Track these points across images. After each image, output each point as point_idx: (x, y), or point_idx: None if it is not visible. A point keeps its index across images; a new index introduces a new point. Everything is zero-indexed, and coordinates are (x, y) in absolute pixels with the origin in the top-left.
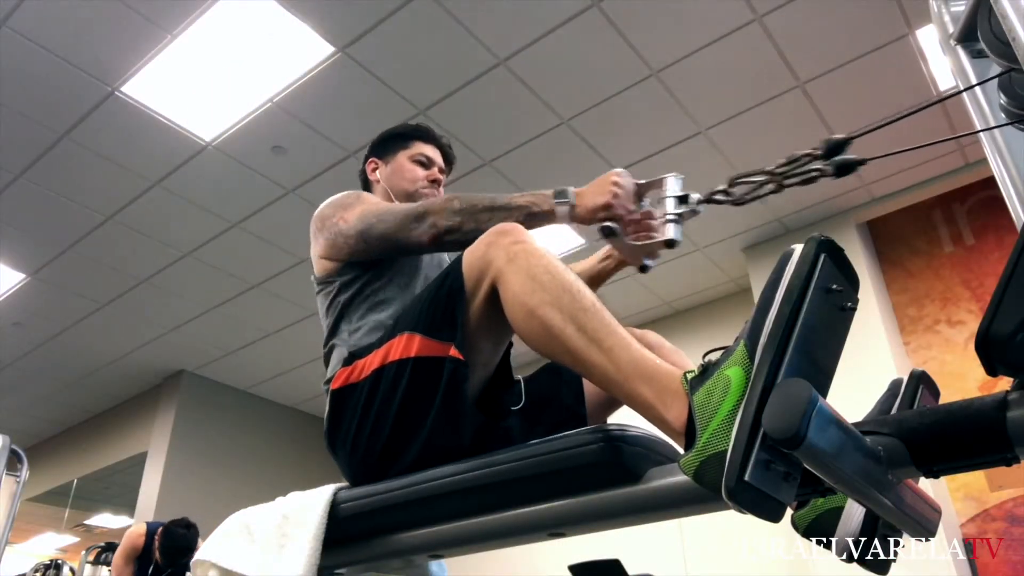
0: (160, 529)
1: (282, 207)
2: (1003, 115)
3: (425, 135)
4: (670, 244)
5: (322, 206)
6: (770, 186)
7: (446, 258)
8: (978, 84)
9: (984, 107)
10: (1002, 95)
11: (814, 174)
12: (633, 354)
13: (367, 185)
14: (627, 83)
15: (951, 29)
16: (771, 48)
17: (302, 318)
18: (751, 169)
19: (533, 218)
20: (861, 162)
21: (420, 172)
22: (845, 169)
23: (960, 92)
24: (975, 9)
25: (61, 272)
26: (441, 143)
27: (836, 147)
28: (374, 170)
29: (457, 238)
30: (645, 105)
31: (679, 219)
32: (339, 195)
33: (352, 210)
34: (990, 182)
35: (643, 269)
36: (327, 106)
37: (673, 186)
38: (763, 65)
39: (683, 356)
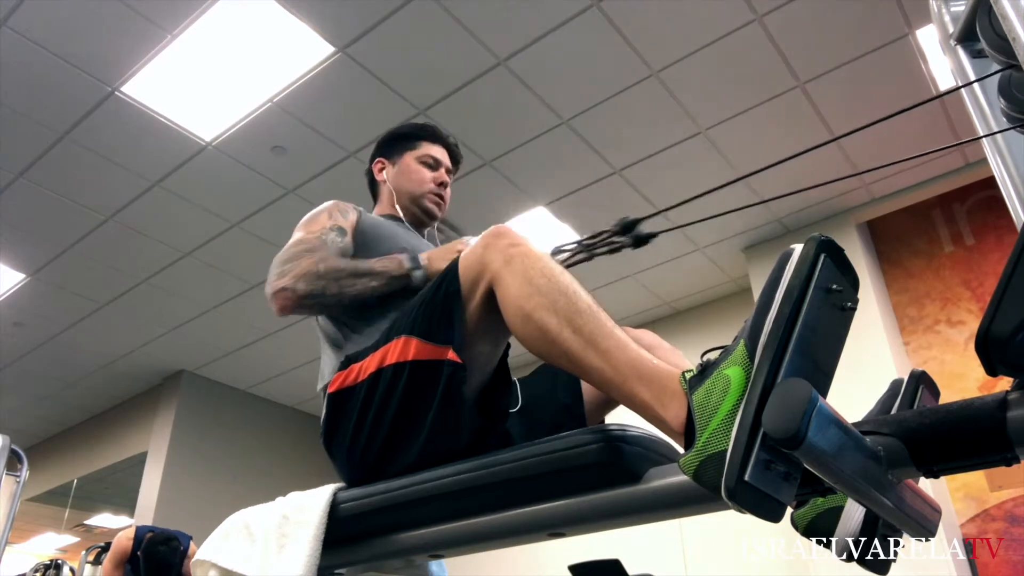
0: (144, 541)
1: (282, 207)
2: (1003, 117)
3: (432, 135)
4: None
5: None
6: (582, 255)
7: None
8: (976, 81)
9: (984, 106)
10: (1002, 99)
11: (616, 245)
12: (630, 355)
13: (374, 185)
14: (627, 83)
15: (951, 29)
16: (771, 48)
17: (302, 318)
18: (568, 241)
19: (394, 280)
20: (652, 236)
21: (427, 174)
22: (641, 241)
23: (957, 89)
24: (975, 9)
25: (61, 272)
26: (448, 143)
27: (630, 225)
28: (380, 171)
29: (317, 302)
30: (645, 105)
31: None
32: (308, 214)
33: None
34: (990, 182)
35: None
36: (327, 106)
37: None
38: (763, 65)
39: (680, 356)
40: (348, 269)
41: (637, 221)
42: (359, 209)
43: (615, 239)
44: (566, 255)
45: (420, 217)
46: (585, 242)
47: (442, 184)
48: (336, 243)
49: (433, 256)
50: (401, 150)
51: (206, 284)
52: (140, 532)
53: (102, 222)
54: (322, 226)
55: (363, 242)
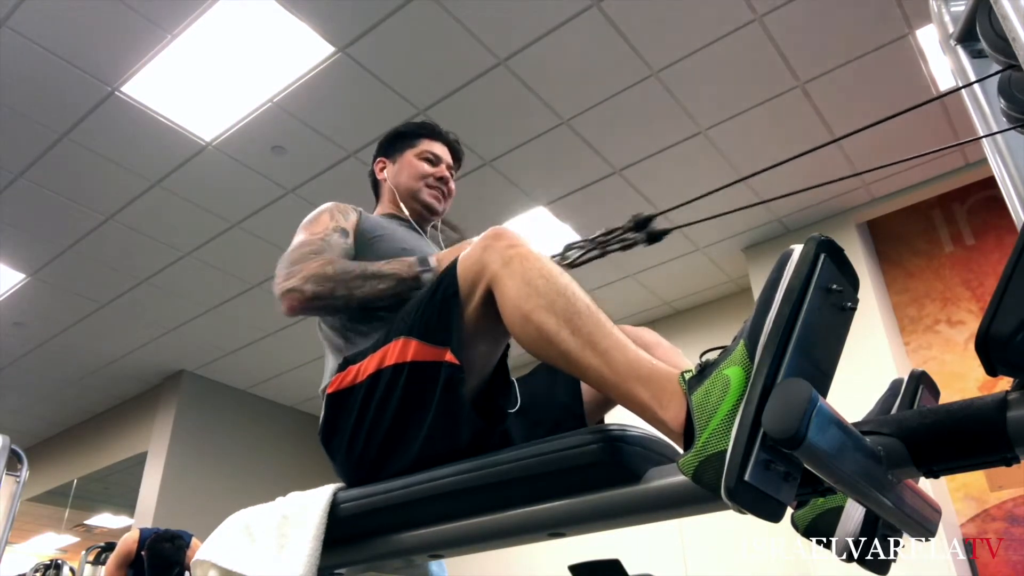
0: (148, 540)
1: (282, 207)
2: (1003, 117)
3: (431, 132)
4: None
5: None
6: (596, 251)
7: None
8: (977, 81)
9: (984, 107)
10: (1002, 99)
11: (629, 241)
12: (628, 355)
13: (376, 185)
14: (627, 83)
15: (951, 29)
16: (771, 48)
17: (302, 318)
18: (581, 238)
19: (402, 283)
20: (666, 232)
21: (426, 168)
22: (654, 238)
23: (958, 89)
24: (975, 9)
25: (61, 272)
26: (448, 139)
27: (644, 221)
28: (382, 170)
29: (326, 304)
30: (645, 105)
31: None
32: (309, 216)
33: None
34: (990, 182)
35: None
36: (327, 106)
37: None
38: (763, 65)
39: (680, 355)
40: (357, 271)
41: (651, 217)
42: (358, 210)
43: (628, 235)
44: (578, 252)
45: (421, 212)
46: (598, 239)
47: (441, 179)
48: (340, 244)
49: (443, 257)
50: (402, 148)
51: (206, 284)
52: (145, 534)
53: (102, 222)
54: (325, 227)
55: (363, 243)
